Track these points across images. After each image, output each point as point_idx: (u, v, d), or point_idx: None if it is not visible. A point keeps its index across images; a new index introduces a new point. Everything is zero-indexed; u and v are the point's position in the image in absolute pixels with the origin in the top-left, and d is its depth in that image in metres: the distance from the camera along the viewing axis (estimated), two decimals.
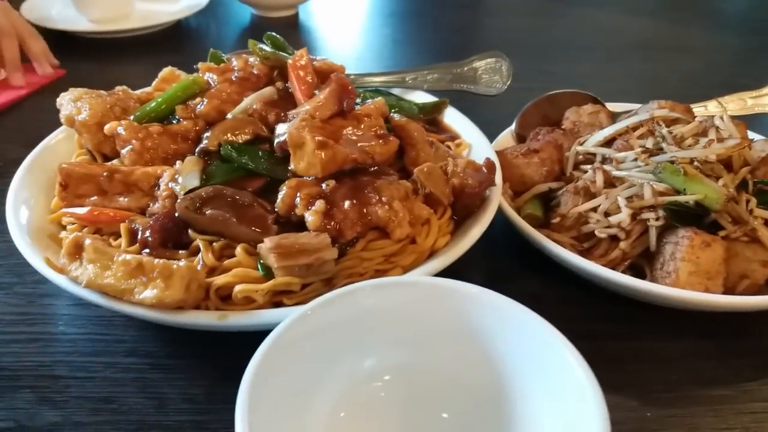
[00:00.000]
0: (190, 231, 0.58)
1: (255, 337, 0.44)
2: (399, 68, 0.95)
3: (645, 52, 1.33)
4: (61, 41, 1.22)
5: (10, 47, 1.03)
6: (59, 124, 0.75)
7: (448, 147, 0.77)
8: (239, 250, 0.56)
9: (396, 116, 0.71)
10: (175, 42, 1.28)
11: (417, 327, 0.49)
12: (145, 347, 0.59)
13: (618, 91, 0.93)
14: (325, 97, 0.65)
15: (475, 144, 0.79)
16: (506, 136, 0.84)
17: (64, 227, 0.64)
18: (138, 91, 0.77)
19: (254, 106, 0.67)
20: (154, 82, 0.78)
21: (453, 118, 0.84)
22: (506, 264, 0.72)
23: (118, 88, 0.74)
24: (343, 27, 1.45)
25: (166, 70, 0.79)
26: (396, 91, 0.91)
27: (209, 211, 0.57)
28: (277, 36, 0.80)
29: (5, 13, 1.04)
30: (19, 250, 0.58)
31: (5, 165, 0.85)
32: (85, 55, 1.20)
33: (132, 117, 0.68)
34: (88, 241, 0.53)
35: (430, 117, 0.84)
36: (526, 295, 0.52)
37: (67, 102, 0.70)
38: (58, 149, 0.74)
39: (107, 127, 0.66)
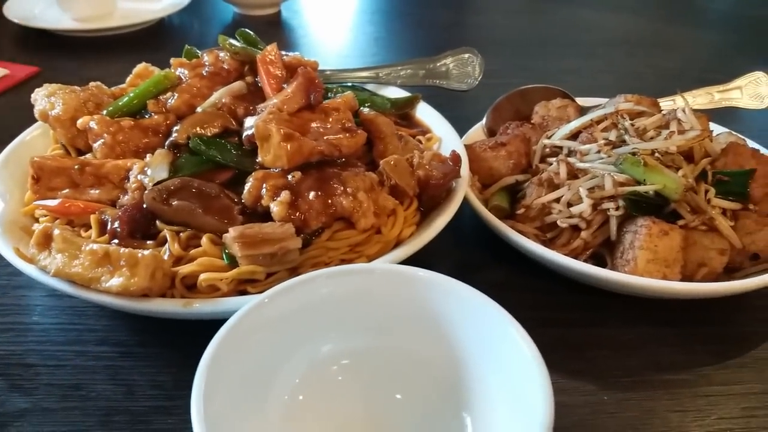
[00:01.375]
0: (157, 222, 0.60)
1: (221, 325, 0.45)
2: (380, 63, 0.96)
3: (625, 49, 1.34)
4: (42, 39, 1.23)
5: None
6: (35, 120, 0.76)
7: (419, 141, 0.79)
8: (205, 239, 0.57)
9: (365, 110, 0.72)
10: (157, 40, 1.29)
11: (375, 312, 0.50)
12: (116, 336, 0.61)
13: (595, 87, 0.94)
14: (293, 91, 0.67)
15: (445, 138, 0.80)
16: (477, 131, 0.86)
17: (37, 220, 0.65)
18: (112, 88, 0.78)
19: (223, 100, 0.69)
20: (128, 78, 0.79)
21: (425, 113, 0.86)
22: (474, 255, 0.73)
23: (93, 84, 0.75)
24: (325, 25, 1.46)
25: (140, 67, 0.80)
26: (370, 86, 0.92)
27: (176, 202, 0.58)
28: (249, 32, 0.81)
29: None
30: None
31: None
32: (66, 54, 1.21)
33: (105, 112, 0.69)
34: (56, 231, 0.54)
35: (402, 112, 0.86)
36: (492, 285, 0.53)
37: (41, 97, 0.71)
38: (33, 144, 0.75)
39: (80, 122, 0.67)
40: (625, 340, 0.63)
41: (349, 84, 0.92)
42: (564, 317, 0.65)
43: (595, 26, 1.47)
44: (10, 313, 0.63)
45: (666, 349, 0.62)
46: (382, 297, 0.50)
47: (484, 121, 0.87)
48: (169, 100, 0.70)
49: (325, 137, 0.65)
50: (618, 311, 0.66)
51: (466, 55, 0.95)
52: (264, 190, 0.60)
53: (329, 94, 0.77)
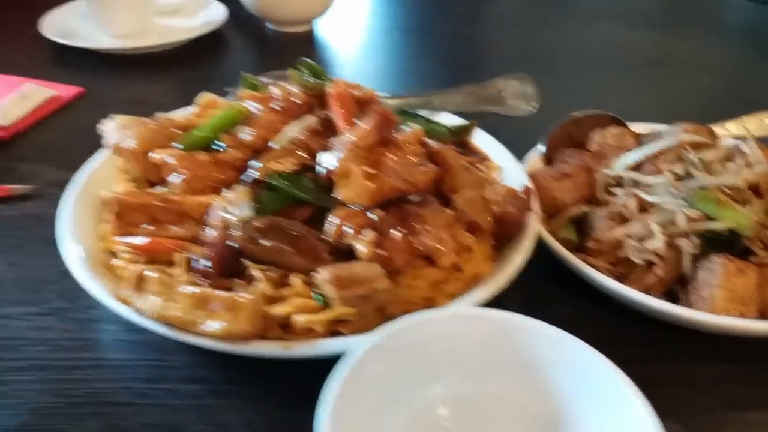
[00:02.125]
0: (244, 259, 0.60)
1: (310, 362, 0.46)
2: (416, 84, 0.97)
3: (659, 68, 1.35)
4: (81, 57, 1.23)
5: None
6: (87, 143, 0.78)
7: (480, 169, 0.80)
8: (296, 280, 0.58)
9: (431, 142, 0.73)
10: (194, 58, 1.29)
11: (478, 357, 0.51)
12: (201, 373, 0.61)
13: (638, 111, 0.95)
14: (368, 127, 0.67)
15: (505, 166, 0.81)
16: (534, 157, 0.86)
17: (114, 254, 0.65)
18: (175, 113, 0.79)
19: (298, 135, 0.69)
20: (192, 108, 0.80)
21: (481, 139, 0.87)
22: (542, 288, 0.74)
23: (160, 115, 0.75)
24: (357, 42, 1.46)
25: (206, 97, 0.80)
26: (422, 112, 0.93)
27: (267, 243, 0.59)
28: (313, 63, 0.82)
29: None
30: (79, 281, 0.60)
31: (44, 187, 0.86)
32: (107, 72, 1.21)
33: (180, 145, 0.70)
34: (152, 274, 0.55)
35: (459, 139, 0.87)
36: (563, 319, 0.54)
37: (113, 130, 0.72)
38: (100, 173, 0.75)
39: (156, 157, 0.68)
40: (700, 377, 0.64)
41: (401, 109, 0.93)
42: (638, 353, 0.66)
43: (627, 44, 1.48)
44: (92, 348, 0.64)
45: (742, 386, 0.63)
46: (486, 342, 0.51)
47: (538, 145, 0.88)
48: (243, 134, 0.70)
49: (400, 173, 0.66)
50: (690, 347, 0.67)
51: (518, 81, 0.95)
52: (347, 228, 0.61)
53: None
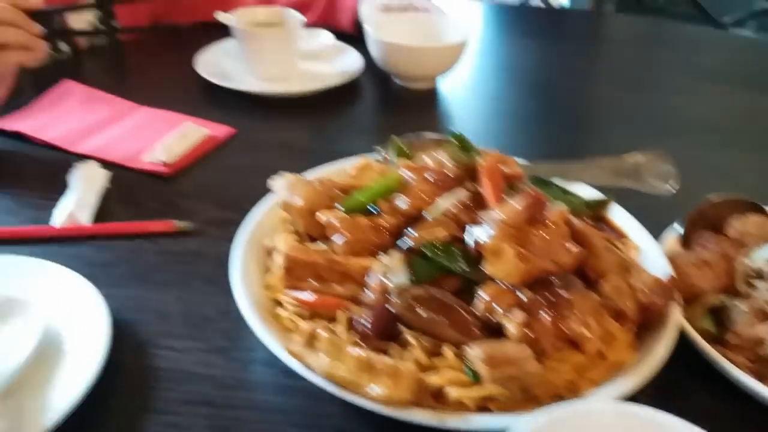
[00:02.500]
0: (399, 324, 0.65)
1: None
2: (542, 146, 0.99)
3: None
4: (231, 97, 1.33)
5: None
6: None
7: (618, 248, 0.82)
8: (449, 352, 0.63)
9: (576, 221, 0.76)
10: (331, 103, 1.35)
11: None
12: (352, 425, 0.66)
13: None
14: (518, 207, 0.71)
15: (643, 246, 0.83)
16: (670, 237, 0.87)
17: (279, 303, 0.72)
18: (332, 166, 0.86)
19: (450, 208, 0.74)
20: (350, 169, 0.87)
21: (617, 215, 0.89)
22: (676, 377, 0.74)
23: (322, 177, 0.82)
24: (480, 100, 1.49)
25: (362, 161, 0.87)
26: (553, 178, 0.95)
27: (423, 313, 0.63)
28: (463, 135, 0.86)
29: None
30: (254, 330, 0.67)
31: (204, 224, 0.95)
32: (255, 113, 1.29)
33: (342, 207, 0.76)
34: (323, 334, 0.61)
35: (596, 213, 0.89)
36: (699, 413, 0.56)
37: (282, 188, 0.79)
38: (263, 222, 0.83)
39: (323, 219, 0.74)
40: None
41: (536, 177, 0.96)
42: None
43: (747, 111, 1.45)
44: (251, 388, 0.70)
45: None
46: None
47: (675, 225, 0.88)
48: (399, 202, 0.76)
49: (547, 253, 0.69)
50: None
51: (656, 156, 0.97)
52: (496, 306, 0.64)
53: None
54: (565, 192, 0.92)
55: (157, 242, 0.92)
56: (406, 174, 0.79)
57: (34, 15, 0.99)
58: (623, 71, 1.68)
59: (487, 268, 0.66)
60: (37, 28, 0.98)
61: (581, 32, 2.03)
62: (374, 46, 1.39)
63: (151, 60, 1.54)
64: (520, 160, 0.96)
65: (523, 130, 1.34)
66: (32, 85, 1.26)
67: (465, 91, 1.49)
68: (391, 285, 0.66)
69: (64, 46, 1.37)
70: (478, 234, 0.69)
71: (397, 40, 1.35)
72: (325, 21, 1.57)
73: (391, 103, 1.42)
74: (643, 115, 1.41)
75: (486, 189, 0.75)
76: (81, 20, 1.36)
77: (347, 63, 1.45)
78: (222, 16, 1.38)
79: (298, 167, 0.89)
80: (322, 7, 1.57)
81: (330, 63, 1.47)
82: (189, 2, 1.61)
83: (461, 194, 0.75)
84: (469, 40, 1.40)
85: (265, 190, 0.87)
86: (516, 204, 0.72)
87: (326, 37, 1.51)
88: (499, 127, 1.36)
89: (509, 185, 0.78)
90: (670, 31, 2.04)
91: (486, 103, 1.48)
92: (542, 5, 3.15)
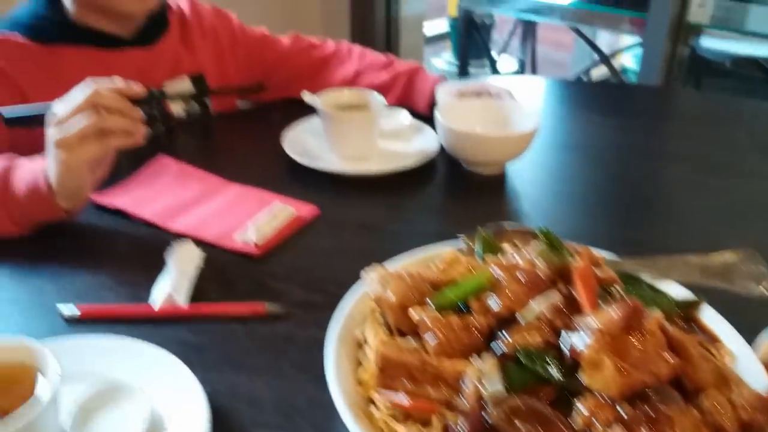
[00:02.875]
0: None
1: None
2: (622, 233, 0.99)
3: None
4: (314, 176, 1.38)
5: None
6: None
7: (712, 353, 0.80)
8: None
9: (671, 328, 0.75)
10: (408, 183, 1.38)
11: None
12: None
13: None
14: (616, 315, 0.71)
15: (737, 352, 0.81)
16: (763, 343, 0.85)
17: (372, 401, 0.73)
18: (419, 252, 0.88)
19: (544, 312, 0.74)
20: (438, 262, 0.88)
21: (708, 317, 0.87)
22: None
23: (412, 271, 0.84)
24: (553, 182, 1.47)
25: (449, 254, 0.89)
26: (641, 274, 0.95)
27: (522, 427, 0.63)
28: (551, 232, 0.87)
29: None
30: (349, 428, 0.68)
31: (292, 307, 0.97)
32: (335, 193, 1.33)
33: (432, 304, 0.78)
34: None
35: (686, 314, 0.87)
36: None
37: (373, 281, 0.82)
38: (354, 312, 0.85)
39: (415, 317, 0.76)
40: None
41: (622, 272, 0.96)
42: None
43: None
44: None
45: None
46: None
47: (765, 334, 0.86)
48: (490, 301, 0.77)
49: (645, 364, 0.68)
50: None
51: (746, 256, 0.95)
52: (596, 421, 0.64)
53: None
54: (655, 290, 0.91)
55: (248, 325, 0.95)
56: (497, 272, 0.80)
57: (136, 100, 1.07)
58: (698, 150, 1.65)
59: (585, 379, 0.66)
60: (139, 114, 1.04)
61: (651, 108, 2.01)
62: (442, 132, 1.40)
63: (240, 135, 1.62)
64: (606, 253, 0.97)
65: (600, 216, 1.34)
66: (129, 160, 1.34)
67: (536, 171, 1.48)
68: (486, 393, 0.67)
69: (159, 126, 1.45)
70: (575, 342, 0.69)
71: (465, 128, 1.36)
72: (403, 102, 1.63)
73: (462, 185, 1.43)
74: (726, 201, 1.38)
75: (580, 294, 0.75)
76: (177, 103, 1.46)
77: (424, 143, 1.49)
78: (308, 97, 1.44)
79: (380, 249, 0.92)
80: (401, 88, 1.63)
81: (408, 142, 1.51)
82: (277, 81, 1.69)
83: (554, 297, 0.76)
84: (539, 128, 1.40)
85: (348, 273, 0.89)
86: (613, 312, 0.72)
87: (405, 117, 1.56)
88: (573, 211, 1.35)
89: (602, 287, 0.78)
90: (741, 107, 2.01)
91: (558, 186, 1.47)
92: (609, 77, 3.17)
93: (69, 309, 0.94)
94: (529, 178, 1.46)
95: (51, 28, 1.34)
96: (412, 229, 1.23)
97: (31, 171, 1.06)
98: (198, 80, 1.53)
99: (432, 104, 1.56)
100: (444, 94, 1.52)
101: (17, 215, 1.07)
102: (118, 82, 1.05)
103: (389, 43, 3.39)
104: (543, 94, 2.04)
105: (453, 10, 5.41)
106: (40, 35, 1.33)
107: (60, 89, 1.09)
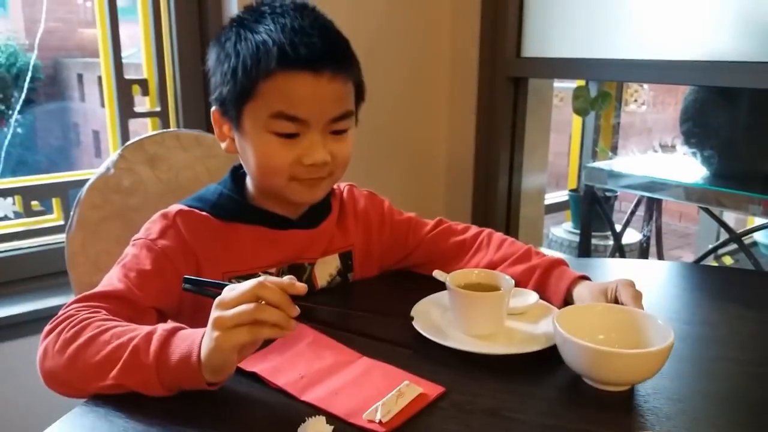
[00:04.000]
0: None
1: None
2: None
3: None
4: (440, 352, 1.39)
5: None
6: None
7: None
8: None
9: None
10: (533, 368, 1.35)
11: None
12: None
13: None
14: None
15: None
16: None
17: None
18: None
19: None
20: None
21: None
22: None
23: None
24: (693, 396, 1.29)
25: None
26: None
27: None
28: None
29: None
30: None
31: None
32: (461, 372, 1.33)
33: None
34: None
35: None
36: None
37: None
38: None
39: None
40: None
41: None
42: None
43: None
44: None
45: None
46: None
47: None
48: None
49: None
50: None
51: None
52: None
53: None
54: None
55: None
56: None
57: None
58: None
59: None
60: (296, 311, 1.12)
61: None
62: (562, 342, 1.27)
63: (372, 305, 1.69)
64: None
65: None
66: None
67: (672, 377, 1.31)
68: None
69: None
70: None
71: (589, 342, 1.20)
72: (534, 290, 1.62)
73: (583, 402, 1.25)
74: None
75: None
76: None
77: (551, 326, 1.46)
78: (439, 275, 1.51)
79: None
80: (534, 284, 1.63)
81: (534, 323, 1.50)
82: (415, 261, 1.83)
83: None
84: (673, 343, 1.21)
85: None
86: None
87: (533, 297, 1.57)
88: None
89: None
90: None
91: (702, 395, 1.29)
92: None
93: None
94: (666, 383, 1.27)
95: (232, 207, 1.55)
96: (544, 422, 1.17)
97: (188, 341, 1.16)
98: (345, 257, 1.71)
99: (565, 301, 1.57)
100: (583, 296, 1.51)
101: (168, 380, 1.16)
102: (286, 279, 1.15)
103: (509, 214, 3.48)
104: (663, 278, 1.98)
105: (573, 183, 5.51)
106: (220, 212, 1.54)
107: (231, 261, 1.23)
